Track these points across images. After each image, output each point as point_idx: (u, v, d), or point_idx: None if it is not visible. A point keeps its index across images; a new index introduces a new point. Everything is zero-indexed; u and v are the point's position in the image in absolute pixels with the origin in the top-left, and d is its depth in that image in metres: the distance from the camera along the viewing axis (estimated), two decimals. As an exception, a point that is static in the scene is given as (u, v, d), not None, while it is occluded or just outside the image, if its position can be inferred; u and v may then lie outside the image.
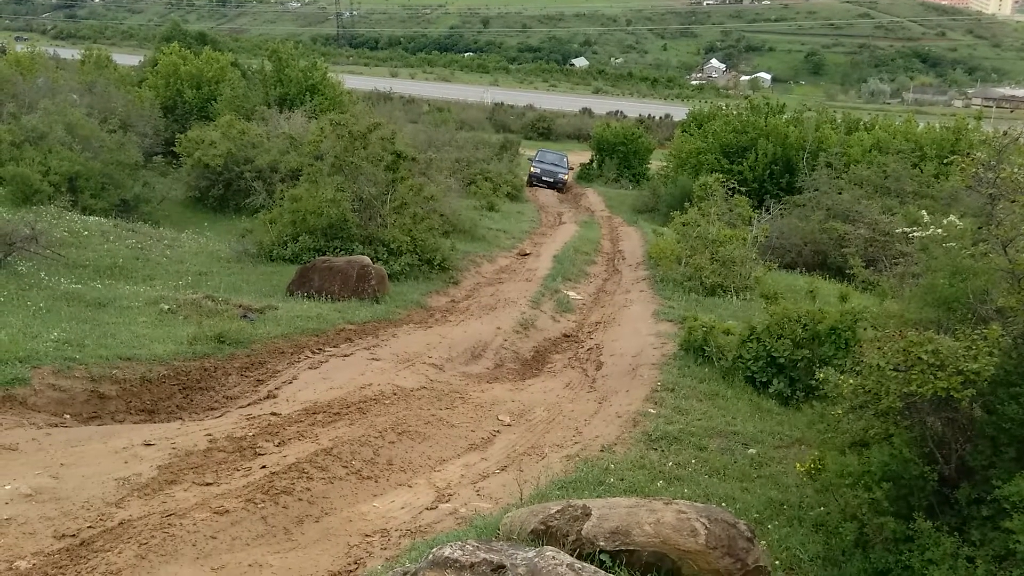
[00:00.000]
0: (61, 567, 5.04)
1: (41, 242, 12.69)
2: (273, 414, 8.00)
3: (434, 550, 4.33)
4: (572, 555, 4.40)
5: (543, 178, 36.32)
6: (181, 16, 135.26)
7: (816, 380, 6.90)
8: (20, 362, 8.13)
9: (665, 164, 32.94)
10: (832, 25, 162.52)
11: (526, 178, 35.71)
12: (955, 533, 4.85)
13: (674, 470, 7.01)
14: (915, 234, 10.31)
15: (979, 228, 8.99)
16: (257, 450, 7.02)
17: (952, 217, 9.67)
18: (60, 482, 6.05)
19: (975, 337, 5.15)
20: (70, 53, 45.04)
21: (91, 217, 16.67)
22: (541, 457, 7.62)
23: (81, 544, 5.31)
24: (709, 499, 6.19)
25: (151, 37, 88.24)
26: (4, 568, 4.98)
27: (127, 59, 44.59)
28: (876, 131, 27.28)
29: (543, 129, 54.50)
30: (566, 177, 36.79)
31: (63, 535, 5.40)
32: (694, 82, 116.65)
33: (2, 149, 18.15)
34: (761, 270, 15.65)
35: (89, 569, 5.02)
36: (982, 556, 4.68)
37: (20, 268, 11.98)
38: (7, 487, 5.84)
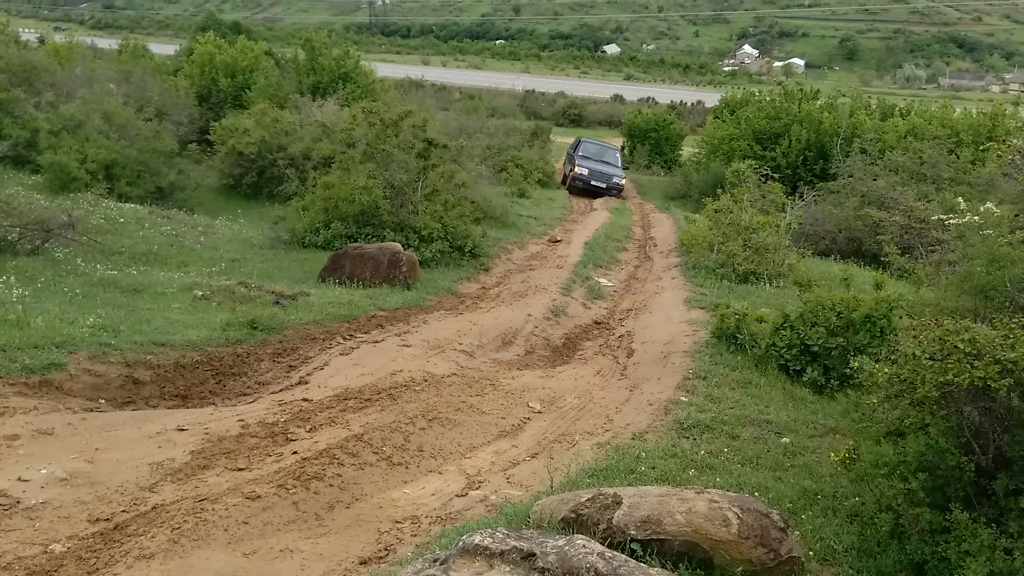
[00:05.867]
0: (95, 551, 5.10)
1: (78, 229, 12.86)
2: (305, 400, 8.04)
3: (464, 537, 4.32)
4: (603, 544, 4.38)
5: (592, 182, 27.53)
6: (216, 6, 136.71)
7: (850, 368, 6.81)
8: (57, 347, 8.23)
9: (697, 150, 32.60)
10: (866, 10, 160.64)
11: (561, 178, 29.59)
12: (992, 524, 4.76)
13: (706, 459, 6.95)
14: (951, 221, 10.17)
15: (1016, 215, 8.84)
16: (289, 436, 7.06)
17: (989, 204, 9.52)
18: (95, 466, 6.12)
19: (1013, 325, 5.05)
20: (107, 43, 45.65)
21: (127, 204, 16.87)
22: (572, 445, 7.59)
23: (115, 528, 5.37)
24: (741, 488, 6.13)
25: (187, 27, 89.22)
26: (39, 551, 5.05)
27: (163, 48, 45.00)
28: (911, 117, 26.97)
29: (574, 116, 54.39)
30: (623, 181, 28.45)
31: (97, 519, 5.47)
32: (726, 68, 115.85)
33: (41, 137, 18.41)
34: (795, 257, 15.48)
35: (122, 553, 5.07)
36: (1020, 548, 4.59)
37: (57, 254, 12.14)
38: (43, 471, 5.92)
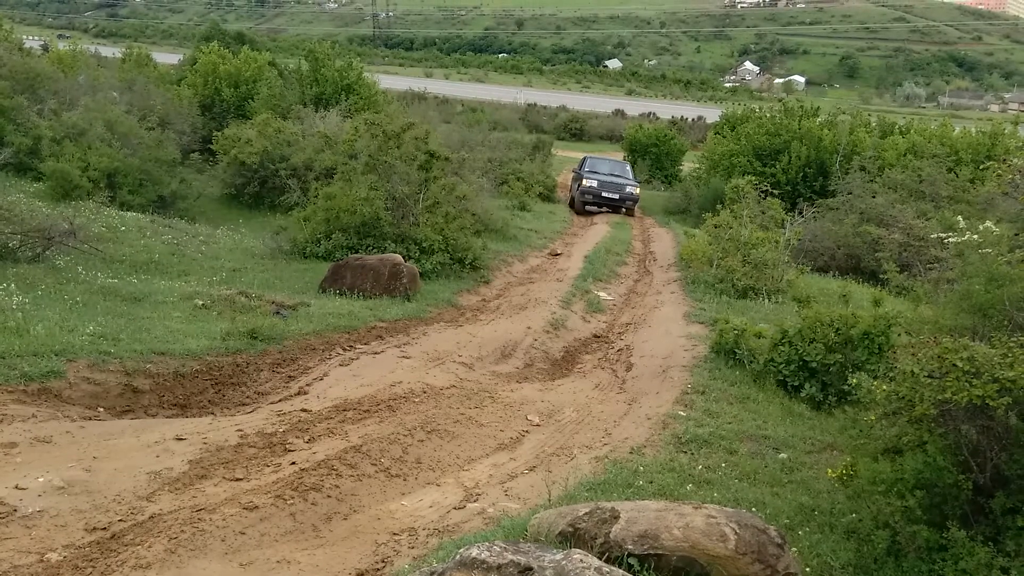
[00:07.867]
0: (91, 560, 5.08)
1: (79, 237, 12.86)
2: (303, 411, 8.03)
3: (461, 550, 4.32)
4: (600, 558, 4.37)
5: (604, 195, 25.86)
6: (220, 16, 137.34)
7: (849, 385, 6.81)
8: (56, 355, 8.23)
9: (697, 166, 32.70)
10: (867, 28, 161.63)
11: (569, 200, 28.13)
12: (989, 543, 4.76)
13: (704, 473, 6.94)
14: (950, 239, 10.17)
15: (1016, 234, 8.86)
16: (287, 446, 7.05)
17: (988, 223, 9.53)
18: (92, 475, 6.11)
19: (1011, 344, 5.06)
20: (111, 51, 45.78)
21: (128, 213, 16.88)
22: (570, 458, 7.59)
23: (112, 537, 5.36)
24: (739, 504, 6.12)
25: (191, 36, 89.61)
26: (35, 560, 5.03)
27: (167, 58, 45.22)
28: (911, 135, 27.05)
29: (575, 130, 54.56)
30: (637, 191, 27.08)
31: (94, 528, 5.45)
32: (727, 84, 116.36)
33: (43, 145, 18.43)
34: (793, 273, 15.49)
35: (119, 563, 5.06)
36: (1017, 567, 4.59)
37: (58, 262, 12.15)
38: (40, 479, 5.91)
